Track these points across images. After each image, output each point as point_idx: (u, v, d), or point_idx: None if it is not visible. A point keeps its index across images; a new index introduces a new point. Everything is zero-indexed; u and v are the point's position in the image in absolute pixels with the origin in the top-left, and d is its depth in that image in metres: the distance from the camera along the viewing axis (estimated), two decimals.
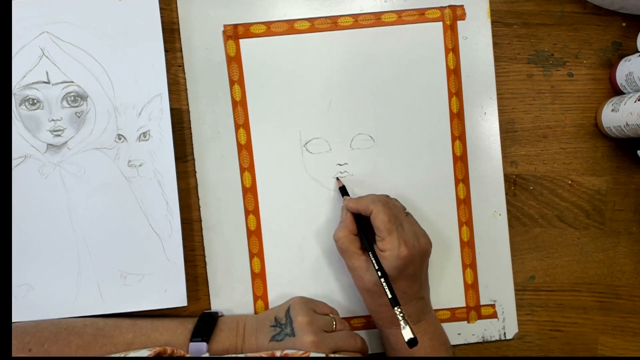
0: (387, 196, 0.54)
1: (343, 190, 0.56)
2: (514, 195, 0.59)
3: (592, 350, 0.60)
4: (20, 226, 0.52)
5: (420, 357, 0.51)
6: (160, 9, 0.54)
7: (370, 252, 0.50)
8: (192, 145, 0.56)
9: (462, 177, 0.58)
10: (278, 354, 0.44)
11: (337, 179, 0.57)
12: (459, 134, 0.58)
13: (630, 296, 0.60)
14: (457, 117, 0.58)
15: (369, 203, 0.51)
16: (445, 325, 0.57)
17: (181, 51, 0.56)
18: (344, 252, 0.52)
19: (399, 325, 0.47)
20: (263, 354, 0.43)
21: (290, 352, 0.44)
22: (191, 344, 0.49)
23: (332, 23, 0.57)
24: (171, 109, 0.54)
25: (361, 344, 0.51)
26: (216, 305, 0.56)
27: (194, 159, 0.56)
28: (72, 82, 0.53)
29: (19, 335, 0.48)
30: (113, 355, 0.42)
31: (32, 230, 0.53)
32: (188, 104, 0.56)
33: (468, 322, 0.59)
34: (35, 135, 0.53)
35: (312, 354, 0.44)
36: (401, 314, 0.46)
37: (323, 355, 0.45)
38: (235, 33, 0.56)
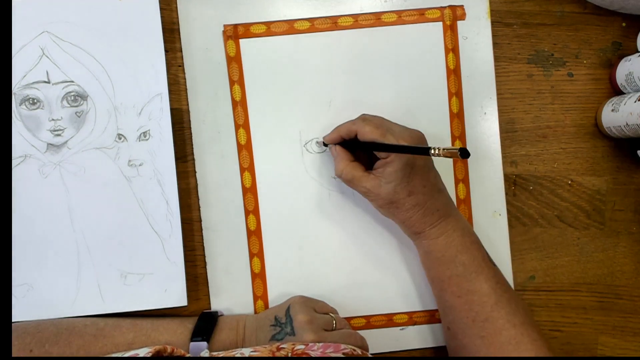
0: (364, 115, 0.53)
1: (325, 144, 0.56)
2: (514, 195, 0.59)
3: (592, 350, 0.60)
4: (20, 226, 0.52)
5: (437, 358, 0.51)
6: (160, 9, 0.54)
7: (380, 150, 0.49)
8: (192, 145, 0.56)
9: (462, 177, 0.58)
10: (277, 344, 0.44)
11: (317, 142, 0.56)
12: (459, 134, 0.58)
13: (630, 296, 0.60)
14: (457, 117, 0.58)
15: (349, 125, 0.52)
16: None
17: (181, 51, 0.56)
18: (351, 181, 0.51)
19: (434, 224, 0.50)
20: (261, 349, 0.43)
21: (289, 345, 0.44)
22: (192, 343, 0.49)
23: (332, 23, 0.57)
24: (171, 109, 0.54)
25: (361, 343, 0.51)
26: (216, 305, 0.56)
27: (194, 159, 0.56)
28: (72, 81, 0.53)
29: (20, 336, 0.48)
30: (112, 355, 0.42)
31: (32, 230, 0.53)
32: (188, 104, 0.56)
33: None
34: (36, 134, 0.53)
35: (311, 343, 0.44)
36: (437, 148, 0.44)
37: (319, 344, 0.45)
38: (235, 33, 0.56)
